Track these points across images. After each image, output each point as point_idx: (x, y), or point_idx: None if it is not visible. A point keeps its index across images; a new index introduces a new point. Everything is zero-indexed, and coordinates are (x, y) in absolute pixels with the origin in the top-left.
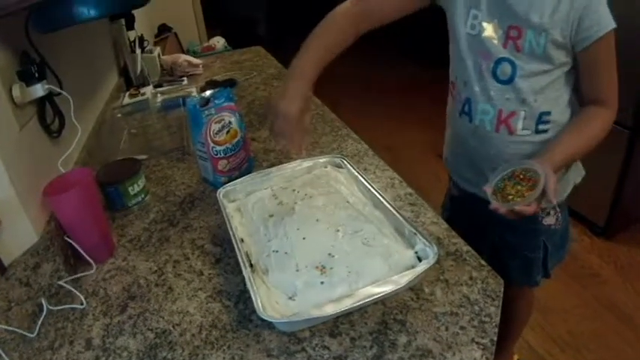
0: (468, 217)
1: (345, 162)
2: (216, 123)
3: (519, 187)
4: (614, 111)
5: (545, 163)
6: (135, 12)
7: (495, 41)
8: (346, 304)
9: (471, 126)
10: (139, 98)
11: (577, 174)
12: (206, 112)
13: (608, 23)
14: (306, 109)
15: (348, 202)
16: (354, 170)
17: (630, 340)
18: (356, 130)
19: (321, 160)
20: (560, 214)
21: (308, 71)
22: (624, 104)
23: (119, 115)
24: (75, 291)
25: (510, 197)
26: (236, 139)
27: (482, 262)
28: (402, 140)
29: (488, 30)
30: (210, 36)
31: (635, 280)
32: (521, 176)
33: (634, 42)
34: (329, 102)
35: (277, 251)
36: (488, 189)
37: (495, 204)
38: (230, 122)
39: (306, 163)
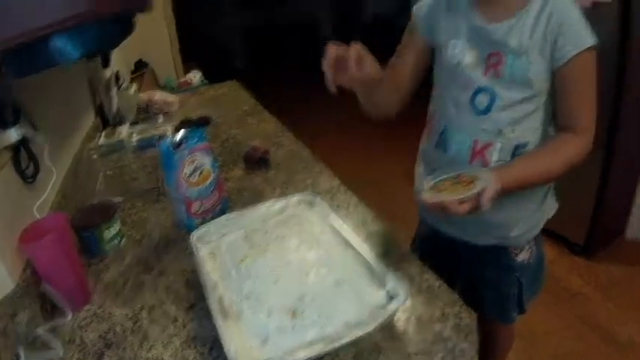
0: (439, 254)
1: (317, 200)
2: (189, 165)
3: (457, 187)
4: (588, 138)
5: (496, 174)
6: None
7: (475, 70)
8: (318, 349)
9: (446, 157)
10: (115, 138)
11: (551, 206)
12: (179, 154)
13: (584, 42)
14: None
15: (319, 241)
16: (326, 209)
17: (615, 359)
18: (335, 162)
19: (293, 199)
20: (534, 248)
21: None
22: (598, 123)
23: (95, 157)
24: (52, 339)
25: (443, 193)
26: (209, 181)
27: (455, 297)
28: (382, 172)
29: (468, 59)
30: (186, 70)
31: (616, 298)
32: (466, 181)
33: (604, 58)
34: (309, 134)
35: (249, 296)
36: (427, 183)
37: (424, 195)
38: (203, 164)
39: (279, 203)
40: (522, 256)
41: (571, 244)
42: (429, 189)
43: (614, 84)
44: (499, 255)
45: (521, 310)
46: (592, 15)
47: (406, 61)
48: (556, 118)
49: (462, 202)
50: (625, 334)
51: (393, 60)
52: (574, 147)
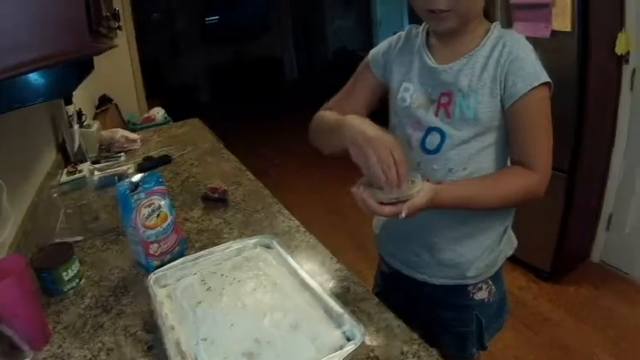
0: (398, 294)
1: (274, 242)
2: (146, 207)
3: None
4: (541, 175)
5: (433, 189)
6: None
7: (427, 110)
8: None
9: None
10: (77, 176)
11: (509, 246)
12: (135, 197)
13: (535, 79)
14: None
15: (276, 284)
16: (282, 251)
17: None
18: (298, 192)
19: (250, 242)
20: (493, 287)
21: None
22: (560, 148)
23: (55, 195)
24: None
25: (375, 189)
26: (166, 223)
27: (414, 336)
28: (346, 202)
29: (419, 100)
30: (151, 106)
31: (587, 320)
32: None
33: (564, 85)
34: (272, 165)
35: (206, 339)
36: (364, 178)
37: (354, 188)
38: (160, 206)
39: (236, 245)
40: (481, 295)
41: (538, 271)
42: (364, 186)
43: (574, 111)
44: (456, 294)
45: (482, 347)
46: (551, 44)
47: (357, 99)
48: (511, 154)
49: (385, 203)
50: (599, 355)
51: (337, 101)
52: (523, 181)
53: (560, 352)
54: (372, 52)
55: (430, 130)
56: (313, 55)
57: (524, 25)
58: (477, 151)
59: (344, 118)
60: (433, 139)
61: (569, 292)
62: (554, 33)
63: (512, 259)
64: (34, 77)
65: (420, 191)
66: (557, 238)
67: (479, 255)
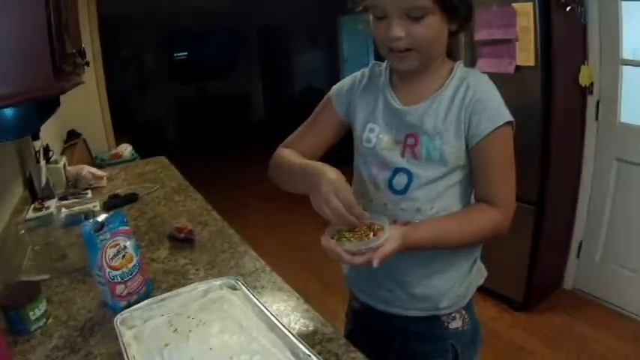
0: (371, 329)
1: (239, 284)
2: (111, 248)
3: (360, 235)
4: (505, 211)
5: (403, 233)
6: None
7: (393, 151)
8: None
9: None
10: (44, 212)
11: (479, 275)
12: (101, 237)
13: (499, 118)
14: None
15: (242, 326)
16: (248, 292)
17: None
18: (266, 230)
19: (216, 283)
20: (466, 316)
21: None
22: (527, 180)
23: (22, 231)
24: None
25: (344, 239)
26: (132, 264)
27: None
28: (314, 238)
29: (385, 141)
30: (119, 142)
31: (560, 346)
32: (372, 229)
33: (529, 119)
34: (237, 203)
35: None
36: (333, 227)
37: (323, 238)
38: (125, 247)
39: (202, 286)
40: (455, 324)
41: (511, 301)
42: (333, 233)
43: (540, 143)
44: (430, 325)
45: None
46: (516, 79)
47: (317, 136)
48: (475, 191)
49: (355, 253)
50: None
51: (296, 137)
52: (489, 218)
53: None
54: (335, 88)
55: (397, 170)
56: (280, 92)
57: (489, 61)
58: (444, 189)
59: (311, 165)
60: (400, 180)
61: (542, 321)
62: (518, 68)
63: (484, 290)
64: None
65: (389, 238)
66: (528, 268)
67: (450, 287)
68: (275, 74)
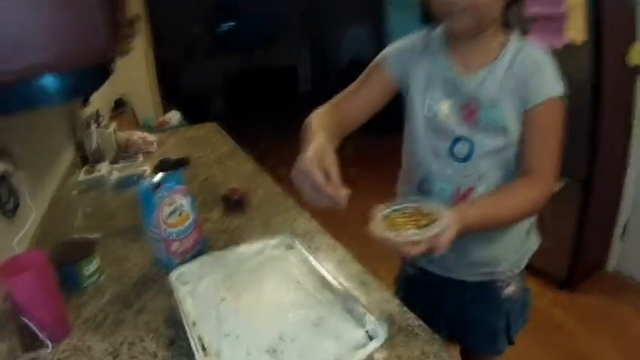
0: (425, 294)
1: (296, 242)
2: (167, 206)
3: (413, 221)
4: (545, 186)
5: (459, 216)
6: None
7: (452, 119)
8: None
9: None
10: (95, 175)
11: (534, 242)
12: (158, 195)
13: (551, 90)
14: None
15: (298, 283)
16: (304, 251)
17: None
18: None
19: (272, 242)
20: (520, 283)
21: (325, 137)
22: (575, 158)
23: (74, 193)
24: None
25: (396, 227)
26: (188, 222)
27: (435, 336)
28: (359, 212)
29: (444, 110)
30: (166, 110)
31: (601, 329)
32: (424, 216)
33: (578, 98)
34: (282, 176)
35: (229, 335)
36: (380, 212)
37: (373, 227)
38: (182, 205)
39: (258, 245)
40: (509, 291)
41: (553, 278)
42: (382, 219)
43: (589, 121)
44: (486, 290)
45: (510, 342)
46: (564, 56)
47: (365, 99)
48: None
49: (415, 242)
50: None
51: (342, 99)
52: (532, 193)
53: (572, 359)
54: (389, 51)
55: (458, 139)
56: (327, 64)
57: (538, 37)
58: (505, 158)
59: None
60: (462, 148)
61: (584, 301)
62: (567, 45)
63: (527, 266)
64: (54, 78)
65: (449, 223)
66: (573, 247)
67: (507, 253)
68: (322, 46)
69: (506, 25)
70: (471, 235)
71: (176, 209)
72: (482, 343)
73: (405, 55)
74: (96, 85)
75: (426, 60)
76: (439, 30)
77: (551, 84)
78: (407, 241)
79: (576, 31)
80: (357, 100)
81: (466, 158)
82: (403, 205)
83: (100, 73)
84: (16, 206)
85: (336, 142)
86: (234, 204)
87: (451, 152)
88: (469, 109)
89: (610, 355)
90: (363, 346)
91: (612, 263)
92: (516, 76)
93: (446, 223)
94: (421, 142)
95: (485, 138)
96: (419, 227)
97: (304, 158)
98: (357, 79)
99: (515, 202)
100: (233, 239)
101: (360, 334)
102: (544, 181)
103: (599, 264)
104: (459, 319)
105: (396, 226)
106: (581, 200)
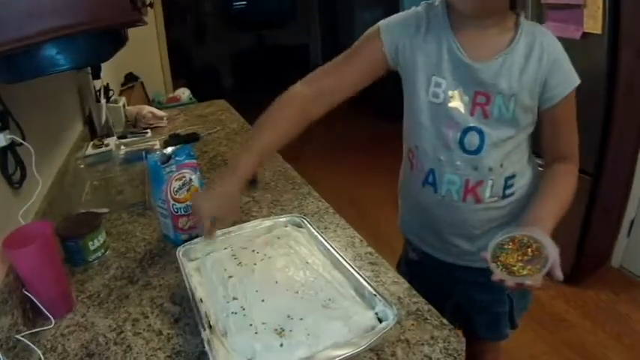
0: (429, 280)
1: (305, 222)
2: (176, 180)
3: (520, 256)
4: (577, 165)
5: (544, 231)
6: None
7: (462, 109)
8: None
9: (437, 196)
10: (103, 149)
11: None
12: (167, 169)
13: (574, 81)
14: (226, 214)
15: (307, 262)
16: (313, 230)
17: None
18: (320, 184)
19: (281, 220)
20: None
21: (243, 171)
22: (585, 151)
23: (82, 166)
24: (33, 346)
25: (515, 269)
26: None
27: (444, 321)
28: (366, 195)
29: (454, 98)
30: (176, 86)
31: (604, 324)
32: (522, 244)
33: (592, 88)
34: (291, 157)
35: (236, 313)
36: (487, 255)
37: (500, 275)
38: (191, 180)
39: (267, 223)
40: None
41: None
42: (493, 262)
43: (602, 114)
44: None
45: (513, 326)
46: (581, 45)
47: (351, 73)
48: (543, 149)
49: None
50: None
51: (324, 72)
52: (575, 176)
53: (574, 353)
54: (384, 24)
55: (468, 129)
56: (339, 43)
57: (555, 25)
58: (513, 148)
59: (233, 162)
60: (472, 139)
61: (587, 296)
62: (584, 35)
63: None
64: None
65: (549, 247)
66: (578, 241)
67: None
68: (334, 24)
69: (513, 7)
70: (481, 223)
71: (185, 184)
72: (486, 329)
73: (402, 31)
74: (113, 51)
75: (431, 41)
76: (440, 6)
77: (572, 76)
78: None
79: (594, 21)
80: (342, 76)
81: (477, 150)
82: (499, 241)
83: (117, 38)
84: (23, 177)
85: (272, 151)
86: None
87: (461, 143)
88: (481, 99)
89: (613, 350)
90: (373, 328)
91: (617, 259)
92: (536, 69)
93: (550, 248)
94: (427, 129)
95: (494, 129)
96: (530, 261)
97: (200, 207)
98: (344, 53)
99: (568, 192)
100: (241, 216)
101: (369, 316)
102: (576, 161)
103: (603, 259)
104: (463, 305)
105: (513, 267)
106: (589, 194)
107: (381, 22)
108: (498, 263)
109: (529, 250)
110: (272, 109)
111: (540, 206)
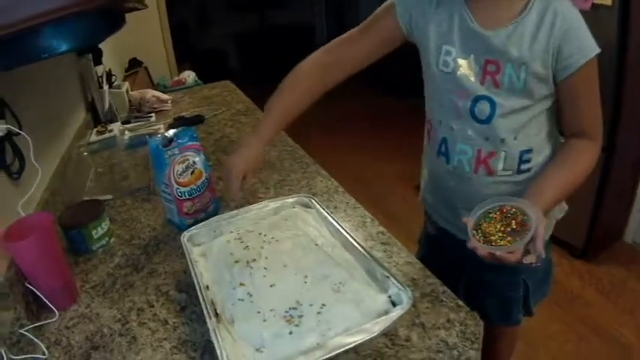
0: (444, 255)
1: (313, 202)
2: (179, 164)
3: (502, 226)
4: (599, 143)
5: (537, 205)
6: (104, 47)
7: (472, 78)
8: (317, 356)
9: (449, 167)
10: (107, 135)
11: (560, 210)
12: (169, 152)
13: (591, 49)
14: (254, 169)
15: (316, 244)
16: (322, 210)
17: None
18: (326, 163)
19: (289, 201)
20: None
21: (265, 134)
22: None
23: (85, 154)
24: (37, 340)
25: (493, 238)
26: (201, 180)
27: (460, 303)
28: (373, 172)
29: (464, 67)
30: (180, 70)
31: (618, 300)
32: (509, 214)
33: (603, 61)
34: (297, 136)
35: (243, 300)
36: (469, 222)
37: (475, 243)
38: (194, 162)
39: (274, 204)
40: (528, 259)
41: (570, 248)
42: (474, 229)
43: (613, 87)
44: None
45: (528, 313)
46: (591, 17)
47: (365, 45)
48: (563, 124)
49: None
50: (626, 336)
51: (338, 44)
52: (591, 154)
53: (588, 330)
54: None
55: (478, 98)
56: (344, 23)
57: None
58: (527, 120)
59: (256, 127)
60: (483, 108)
61: (601, 272)
62: (594, 5)
63: None
64: (58, 27)
65: (536, 221)
66: (591, 216)
67: None
68: (339, 4)
69: None
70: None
71: (188, 167)
72: (498, 313)
73: (415, 2)
74: (107, 33)
75: (442, 11)
76: None
77: (590, 44)
78: (508, 253)
79: None
80: (359, 45)
81: (488, 120)
82: (485, 209)
83: (112, 20)
84: (22, 168)
85: (289, 119)
86: None
87: (472, 112)
88: (492, 68)
89: (625, 326)
90: (386, 312)
91: (629, 235)
92: (548, 36)
93: (536, 222)
94: (441, 99)
95: (506, 99)
96: (512, 233)
97: (234, 164)
98: (362, 24)
99: (579, 169)
100: (248, 198)
101: (382, 300)
102: (597, 139)
103: (617, 235)
104: (475, 286)
105: (492, 236)
106: (602, 168)
107: None
108: (479, 231)
109: (513, 221)
110: (292, 74)
111: (540, 181)
